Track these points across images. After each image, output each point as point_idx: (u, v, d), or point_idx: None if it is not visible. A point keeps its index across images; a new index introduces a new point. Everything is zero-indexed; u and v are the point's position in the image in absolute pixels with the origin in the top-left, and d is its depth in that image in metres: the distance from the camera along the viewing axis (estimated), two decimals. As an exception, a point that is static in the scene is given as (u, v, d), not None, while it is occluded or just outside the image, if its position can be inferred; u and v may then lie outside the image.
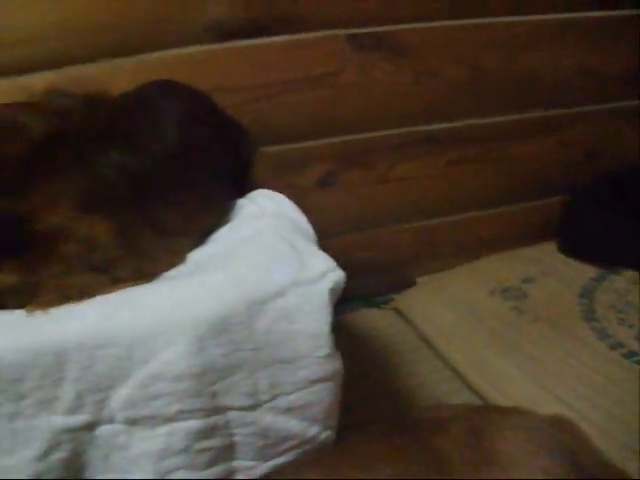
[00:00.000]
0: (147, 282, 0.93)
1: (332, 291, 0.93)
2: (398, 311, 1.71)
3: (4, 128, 1.08)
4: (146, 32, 1.41)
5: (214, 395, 0.90)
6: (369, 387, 1.42)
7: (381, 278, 1.62)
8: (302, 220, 1.09)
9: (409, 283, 1.76)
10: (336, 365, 0.95)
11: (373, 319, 1.69)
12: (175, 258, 1.00)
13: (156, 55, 1.41)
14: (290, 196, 1.18)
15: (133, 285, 0.92)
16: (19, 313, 0.89)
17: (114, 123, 1.04)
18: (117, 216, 0.94)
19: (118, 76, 1.40)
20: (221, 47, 1.43)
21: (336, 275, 0.95)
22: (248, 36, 1.44)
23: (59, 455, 0.89)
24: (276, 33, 1.44)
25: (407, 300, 1.73)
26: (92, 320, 0.87)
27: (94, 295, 0.90)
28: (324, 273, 0.94)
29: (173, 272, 0.99)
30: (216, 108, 1.19)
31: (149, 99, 1.13)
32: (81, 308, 0.88)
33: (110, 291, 0.90)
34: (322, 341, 0.92)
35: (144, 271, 0.94)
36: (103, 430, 0.89)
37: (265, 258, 0.93)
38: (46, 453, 0.88)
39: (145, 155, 1.01)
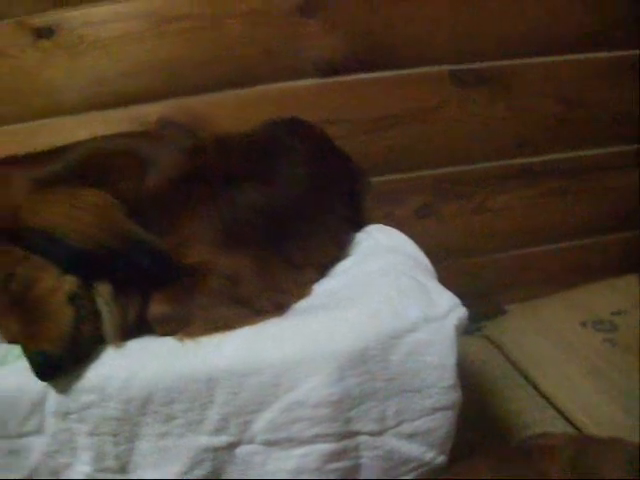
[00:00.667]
0: (282, 314, 1.00)
1: (457, 327, 0.98)
2: (489, 338, 1.74)
3: (135, 164, 1.18)
4: (252, 66, 1.49)
5: (348, 421, 0.95)
6: (464, 413, 1.44)
7: (472, 306, 1.64)
8: (420, 255, 1.14)
9: (500, 311, 1.78)
10: (457, 395, 1.00)
11: (464, 346, 1.71)
12: (303, 290, 1.06)
13: (260, 88, 1.49)
14: (387, 225, 1.24)
15: (272, 317, 0.98)
16: (170, 341, 0.96)
17: (246, 161, 1.12)
18: (255, 251, 1.01)
19: (223, 108, 1.50)
20: (326, 82, 1.50)
21: (461, 312, 1.00)
22: (352, 71, 1.50)
23: (201, 471, 0.96)
24: (380, 69, 1.50)
25: (498, 328, 1.76)
26: (240, 350, 0.93)
27: (238, 326, 0.97)
28: (450, 310, 0.99)
29: (304, 304, 1.05)
30: (334, 143, 1.25)
31: (277, 137, 1.20)
32: (229, 338, 0.95)
33: (252, 323, 0.97)
34: (448, 373, 0.97)
35: (280, 303, 1.01)
36: (242, 450, 0.96)
37: (396, 294, 0.99)
38: (190, 469, 0.96)
39: (278, 193, 1.08)
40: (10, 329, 0.96)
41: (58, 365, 0.89)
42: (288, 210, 1.08)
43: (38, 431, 0.95)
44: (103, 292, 0.94)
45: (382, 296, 0.98)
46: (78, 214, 0.96)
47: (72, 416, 0.93)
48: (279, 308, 0.99)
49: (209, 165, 1.09)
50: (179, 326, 0.96)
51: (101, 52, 1.48)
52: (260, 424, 0.94)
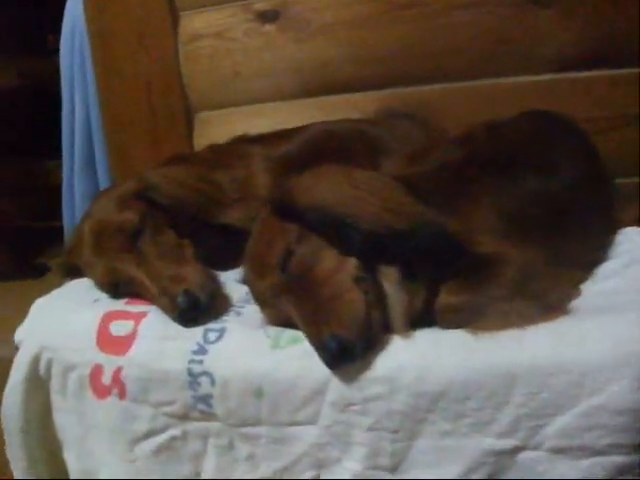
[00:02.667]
0: (570, 312, 0.92)
1: None
2: None
3: (367, 148, 1.12)
4: (483, 59, 1.39)
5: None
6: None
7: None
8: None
9: None
10: None
11: None
12: (574, 289, 0.98)
13: (490, 82, 1.40)
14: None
15: (562, 315, 0.90)
16: (461, 333, 0.89)
17: (519, 150, 1.05)
18: (541, 244, 0.93)
19: (451, 100, 1.41)
20: (560, 77, 1.38)
21: None
22: (588, 68, 1.37)
23: (477, 475, 0.88)
24: (616, 66, 1.38)
25: None
26: (544, 347, 0.86)
27: (532, 322, 0.89)
28: None
29: (579, 303, 0.97)
30: (591, 140, 1.18)
31: (541, 129, 1.13)
32: (529, 334, 0.87)
33: (546, 319, 0.89)
34: None
35: (568, 300, 0.93)
36: (526, 456, 0.88)
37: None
38: (467, 472, 0.88)
39: (555, 185, 1.01)
40: (284, 310, 0.90)
41: (352, 352, 0.82)
42: (562, 204, 1.01)
43: (311, 421, 0.89)
44: (390, 276, 0.88)
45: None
46: (362, 195, 0.90)
47: (354, 408, 0.86)
48: (568, 305, 0.90)
49: (481, 152, 1.03)
50: (470, 318, 0.88)
51: (327, 37, 1.44)
52: (552, 429, 0.85)
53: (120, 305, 1.05)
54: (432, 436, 0.87)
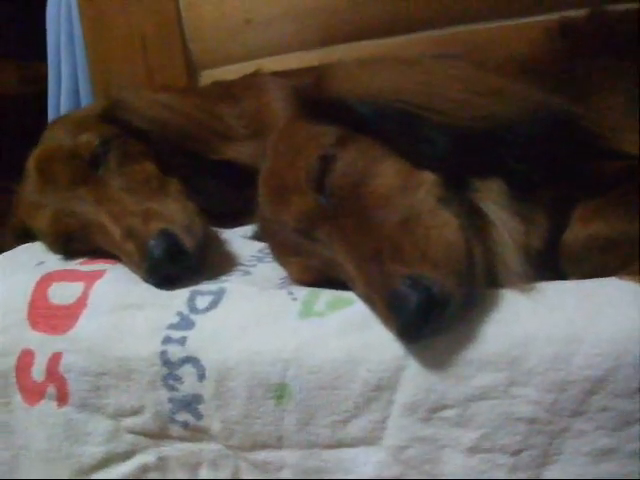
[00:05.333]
0: None
1: None
2: None
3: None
4: None
5: None
6: None
7: None
8: None
9: None
10: None
11: None
12: None
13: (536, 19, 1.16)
14: None
15: None
16: (618, 283, 0.53)
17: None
18: None
19: (493, 38, 1.19)
20: None
21: None
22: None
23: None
24: None
25: None
26: None
27: None
28: None
29: None
30: None
31: None
32: None
33: None
34: None
35: None
36: None
37: None
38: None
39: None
40: (322, 255, 0.53)
41: (446, 310, 0.47)
42: None
43: (370, 440, 0.53)
44: (493, 194, 0.51)
45: None
46: (434, 80, 0.60)
47: (446, 413, 0.49)
48: None
49: (592, 40, 0.75)
50: (623, 259, 0.54)
51: None
52: None
53: (71, 265, 0.67)
54: (579, 459, 0.52)
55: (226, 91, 1.05)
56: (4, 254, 0.87)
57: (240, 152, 0.88)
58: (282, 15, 1.33)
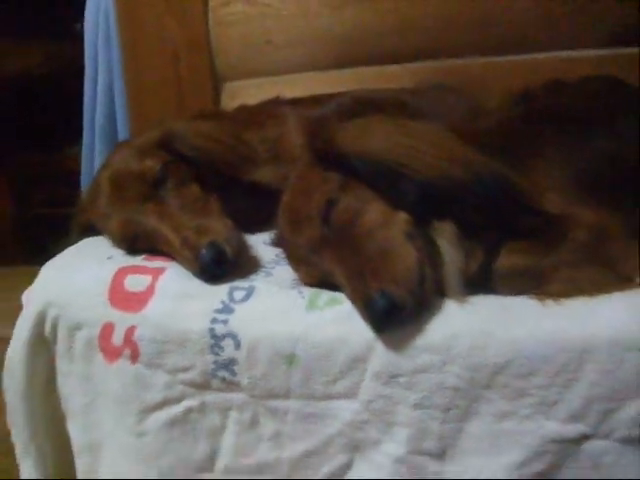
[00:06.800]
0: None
1: None
2: None
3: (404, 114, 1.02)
4: (530, 33, 1.31)
5: None
6: None
7: None
8: None
9: None
10: None
11: None
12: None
13: (535, 57, 1.32)
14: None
15: (636, 287, 0.79)
16: (526, 300, 0.77)
17: (582, 107, 0.95)
18: (615, 206, 0.82)
19: (491, 72, 1.33)
20: (611, 53, 1.29)
21: None
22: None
23: (538, 466, 0.76)
24: None
25: None
26: (621, 319, 0.74)
27: (606, 292, 0.78)
28: None
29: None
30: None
31: (601, 91, 1.04)
32: (605, 304, 0.75)
33: (620, 289, 0.78)
34: None
35: (637, 269, 0.82)
36: (592, 445, 0.76)
37: None
38: (527, 462, 0.76)
39: (622, 142, 0.90)
40: (323, 267, 0.78)
41: (402, 312, 0.71)
42: (632, 166, 0.89)
43: (350, 395, 0.78)
44: (445, 233, 0.77)
45: None
46: (417, 144, 0.81)
47: (399, 380, 0.75)
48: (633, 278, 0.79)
49: (543, 108, 0.96)
50: (534, 284, 0.78)
51: (365, 5, 1.36)
52: (626, 415, 0.74)
53: (137, 260, 0.94)
54: (488, 417, 0.76)
55: (251, 118, 1.24)
56: (75, 246, 1.10)
57: (262, 175, 1.10)
58: (299, 39, 1.46)
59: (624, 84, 1.07)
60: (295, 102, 1.27)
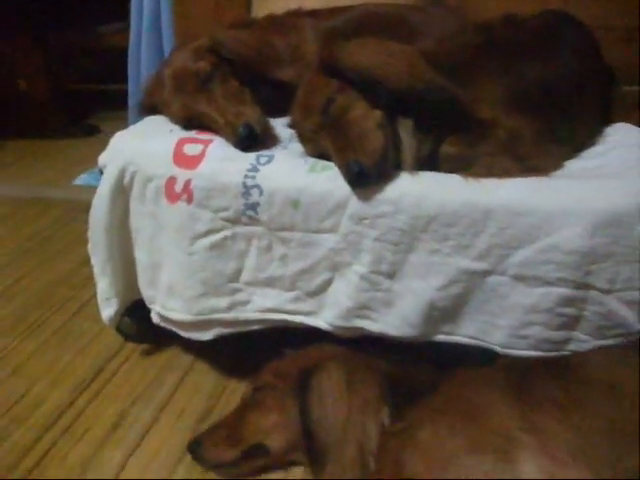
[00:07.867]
0: (548, 175, 1.14)
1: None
2: None
3: (404, 29, 1.34)
4: None
5: (587, 273, 1.08)
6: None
7: None
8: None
9: None
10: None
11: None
12: (558, 163, 1.19)
13: None
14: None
15: (541, 175, 1.12)
16: (453, 177, 1.13)
17: (531, 41, 1.26)
18: (534, 119, 1.16)
19: None
20: None
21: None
22: None
23: (454, 290, 1.14)
24: None
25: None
26: (516, 193, 1.08)
27: (513, 177, 1.11)
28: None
29: (559, 173, 1.17)
30: (598, 44, 1.38)
31: (554, 25, 1.33)
32: (506, 183, 1.09)
33: (525, 176, 1.11)
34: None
35: (543, 167, 1.15)
36: (493, 279, 1.12)
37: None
38: (447, 285, 1.13)
39: (558, 73, 1.21)
40: (321, 144, 1.16)
41: (369, 176, 1.07)
42: (561, 90, 1.21)
43: (333, 230, 1.15)
44: (405, 126, 1.12)
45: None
46: (393, 61, 1.12)
47: (366, 221, 1.12)
48: (546, 170, 1.13)
49: (497, 39, 1.23)
50: (464, 166, 1.12)
51: None
52: (516, 259, 1.09)
53: (192, 134, 1.30)
54: (423, 252, 1.12)
55: (277, 26, 1.47)
56: (141, 122, 1.43)
57: (284, 74, 1.38)
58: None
59: (574, 20, 1.33)
60: (313, 13, 1.51)
